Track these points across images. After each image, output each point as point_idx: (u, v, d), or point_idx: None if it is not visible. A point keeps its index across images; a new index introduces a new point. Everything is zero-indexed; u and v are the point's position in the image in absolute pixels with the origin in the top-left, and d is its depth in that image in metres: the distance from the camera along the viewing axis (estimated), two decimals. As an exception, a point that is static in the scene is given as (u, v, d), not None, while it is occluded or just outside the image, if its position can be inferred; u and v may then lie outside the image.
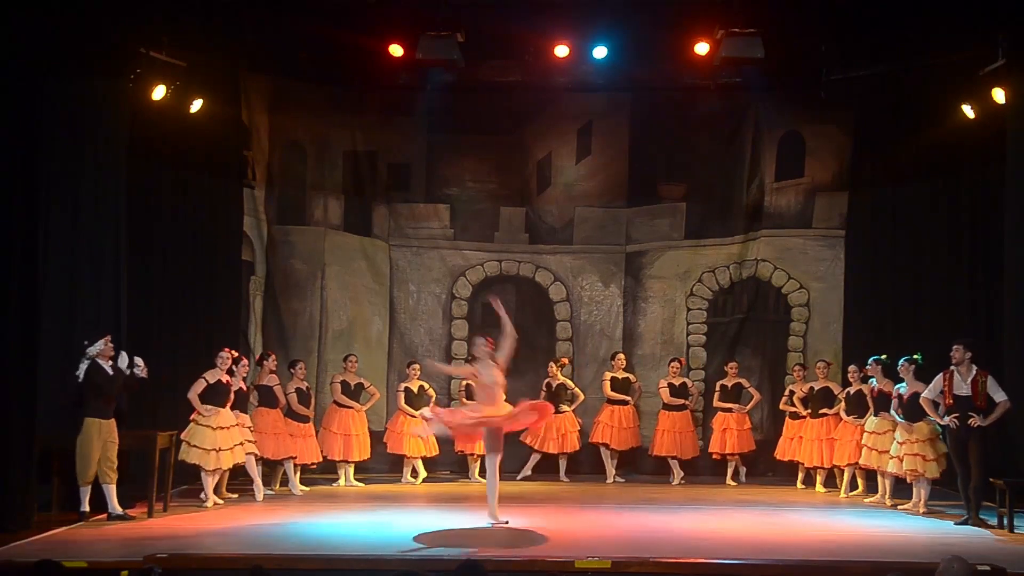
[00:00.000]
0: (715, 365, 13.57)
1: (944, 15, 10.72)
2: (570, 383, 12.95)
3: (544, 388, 12.78)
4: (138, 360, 9.84)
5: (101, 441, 9.36)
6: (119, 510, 9.48)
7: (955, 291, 12.14)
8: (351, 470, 12.24)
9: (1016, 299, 10.53)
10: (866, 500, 11.09)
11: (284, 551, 8.03)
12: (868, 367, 11.06)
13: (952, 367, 9.63)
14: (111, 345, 9.55)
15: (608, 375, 12.92)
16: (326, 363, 13.27)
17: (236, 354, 10.97)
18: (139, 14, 10.37)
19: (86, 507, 9.39)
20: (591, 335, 13.83)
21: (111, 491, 9.46)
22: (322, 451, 12.00)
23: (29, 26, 9.13)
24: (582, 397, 12.99)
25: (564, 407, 12.70)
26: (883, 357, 10.92)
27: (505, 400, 9.52)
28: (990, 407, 9.49)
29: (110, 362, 9.51)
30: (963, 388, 9.52)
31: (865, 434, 11.02)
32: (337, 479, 12.19)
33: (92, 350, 9.42)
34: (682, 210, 13.79)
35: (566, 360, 13.21)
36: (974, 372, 9.53)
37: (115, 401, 9.54)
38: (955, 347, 9.65)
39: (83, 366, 9.39)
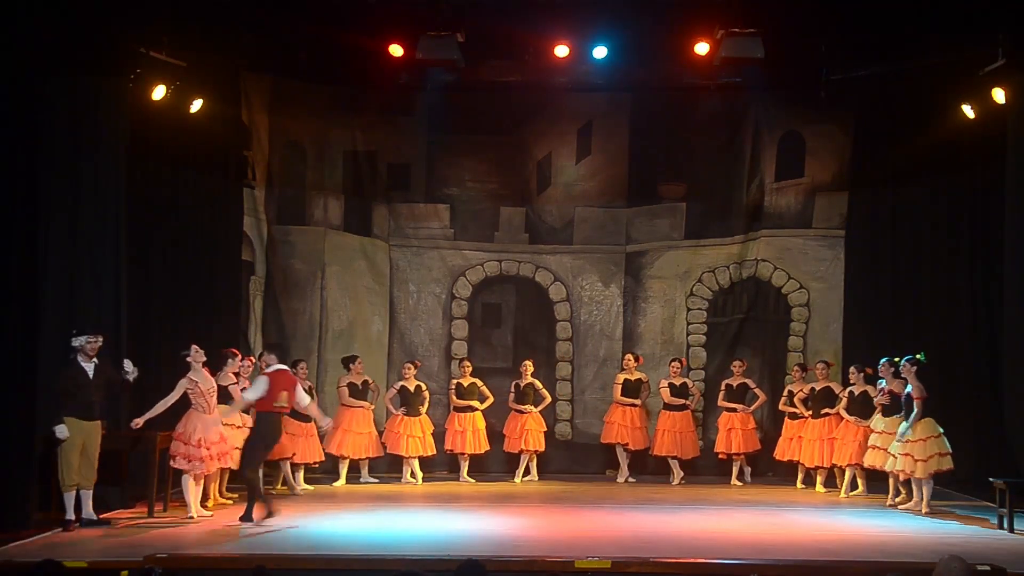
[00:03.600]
0: (715, 365, 13.55)
1: (944, 15, 10.72)
2: (538, 383, 12.81)
3: (512, 388, 12.80)
4: (127, 364, 9.55)
5: (82, 442, 8.99)
6: (94, 516, 9.15)
7: (955, 291, 12.13)
8: (365, 468, 12.36)
9: (1016, 298, 10.53)
10: (901, 507, 10.56)
11: (284, 551, 8.04)
12: (880, 368, 10.87)
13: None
14: (97, 345, 9.16)
15: (621, 377, 12.82)
16: (326, 363, 13.26)
17: (253, 359, 11.07)
18: (139, 14, 10.38)
19: (72, 515, 8.94)
20: (591, 335, 13.81)
21: (87, 496, 9.12)
22: (331, 450, 12.07)
23: (29, 26, 9.14)
24: (548, 399, 12.87)
25: (529, 407, 12.64)
26: (918, 356, 10.39)
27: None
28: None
29: (94, 362, 9.15)
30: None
31: (873, 434, 10.92)
32: (337, 479, 12.21)
33: (74, 342, 9.06)
34: (682, 210, 13.77)
35: (532, 363, 13.00)
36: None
37: (96, 402, 9.13)
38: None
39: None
